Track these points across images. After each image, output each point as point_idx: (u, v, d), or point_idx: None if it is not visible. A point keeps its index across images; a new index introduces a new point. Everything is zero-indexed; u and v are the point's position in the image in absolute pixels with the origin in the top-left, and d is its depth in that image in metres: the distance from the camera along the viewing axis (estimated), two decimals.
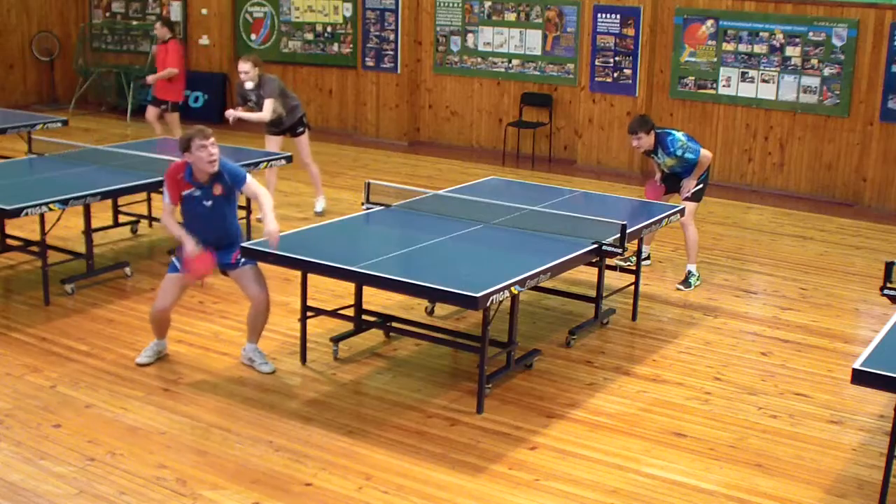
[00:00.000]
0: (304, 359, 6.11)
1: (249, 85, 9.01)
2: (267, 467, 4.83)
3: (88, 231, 7.39)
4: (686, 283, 7.81)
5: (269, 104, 8.99)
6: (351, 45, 14.00)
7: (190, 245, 5.62)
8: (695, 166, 7.74)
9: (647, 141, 7.64)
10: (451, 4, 13.15)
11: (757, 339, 6.82)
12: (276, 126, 9.30)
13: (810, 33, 10.88)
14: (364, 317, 6.37)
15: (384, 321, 6.40)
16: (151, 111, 11.28)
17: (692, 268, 7.85)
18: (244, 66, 8.97)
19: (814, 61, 10.91)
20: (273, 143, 9.39)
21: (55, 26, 15.74)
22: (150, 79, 11.31)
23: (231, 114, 9.09)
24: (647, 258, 8.22)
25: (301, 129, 9.38)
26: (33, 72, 15.48)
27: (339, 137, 13.60)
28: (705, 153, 7.77)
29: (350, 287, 6.34)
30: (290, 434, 5.17)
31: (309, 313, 6.16)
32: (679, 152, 7.67)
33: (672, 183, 7.92)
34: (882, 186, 10.72)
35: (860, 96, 10.75)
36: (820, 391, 5.97)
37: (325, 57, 14.27)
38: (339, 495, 4.61)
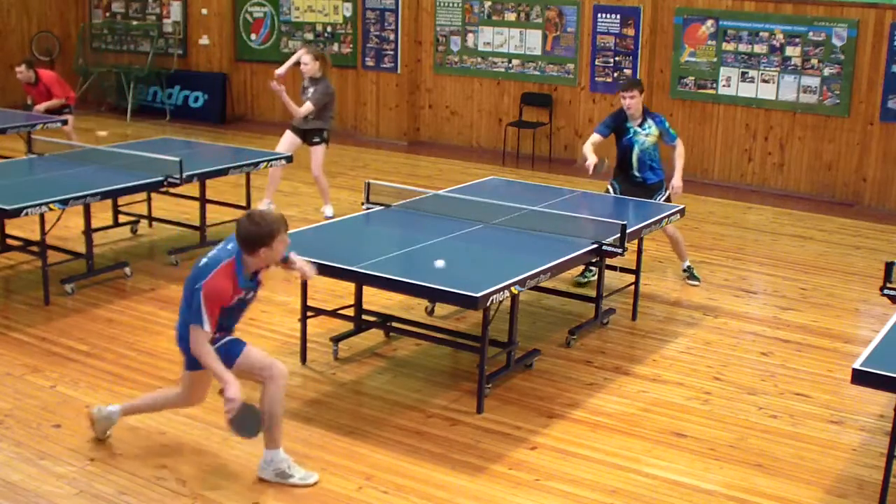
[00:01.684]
0: (304, 359, 6.11)
1: (306, 79, 9.14)
2: None
3: (88, 231, 7.39)
4: (693, 276, 7.93)
5: (307, 106, 9.05)
6: (351, 45, 14.00)
7: (234, 389, 4.43)
8: (657, 157, 7.73)
9: (639, 102, 7.60)
10: (451, 4, 13.15)
11: (757, 339, 6.82)
12: (300, 122, 9.26)
13: (810, 33, 10.88)
14: (364, 317, 6.37)
15: (384, 321, 6.40)
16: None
17: (687, 264, 7.99)
18: (305, 57, 9.06)
19: (814, 61, 10.91)
20: (288, 138, 9.33)
21: (55, 26, 15.74)
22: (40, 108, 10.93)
23: (276, 86, 9.03)
24: (692, 276, 7.92)
25: (317, 140, 9.29)
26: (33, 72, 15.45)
27: (339, 137, 13.58)
28: (681, 143, 7.79)
29: (350, 287, 6.34)
30: (290, 434, 5.16)
31: (309, 313, 6.16)
32: (666, 125, 7.70)
33: (633, 192, 7.64)
34: (882, 186, 10.73)
35: (860, 96, 10.75)
36: (820, 391, 5.97)
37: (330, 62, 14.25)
38: (339, 495, 4.61)
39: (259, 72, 14.84)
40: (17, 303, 7.01)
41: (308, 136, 9.28)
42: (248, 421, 4.53)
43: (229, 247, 4.57)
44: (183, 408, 5.06)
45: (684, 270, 8.00)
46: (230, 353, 4.61)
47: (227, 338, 4.66)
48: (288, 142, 9.31)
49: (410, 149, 13.37)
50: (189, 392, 4.85)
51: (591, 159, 7.37)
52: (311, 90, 9.12)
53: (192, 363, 4.64)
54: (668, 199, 7.65)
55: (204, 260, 4.56)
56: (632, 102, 7.57)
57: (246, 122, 14.97)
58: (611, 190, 7.81)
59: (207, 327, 4.41)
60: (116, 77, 15.32)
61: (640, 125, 7.65)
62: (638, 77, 11.72)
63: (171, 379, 5.78)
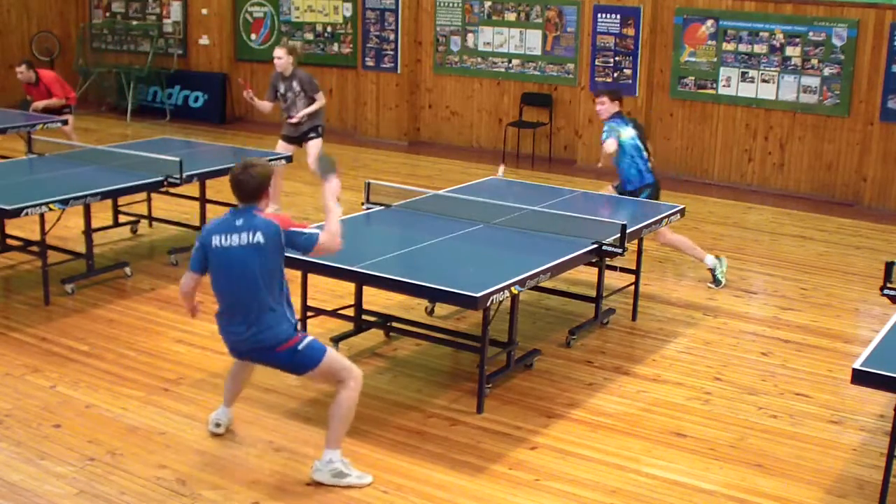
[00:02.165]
0: None
1: (277, 76, 8.95)
2: (267, 467, 4.83)
3: (88, 231, 7.39)
4: (716, 280, 7.82)
5: (321, 97, 9.05)
6: (351, 45, 14.00)
7: (331, 190, 4.67)
8: (637, 168, 7.68)
9: (610, 110, 7.56)
10: (451, 4, 13.16)
11: (757, 339, 6.82)
12: (291, 131, 9.16)
13: (810, 33, 10.88)
14: (364, 317, 6.37)
15: (384, 321, 6.40)
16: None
17: (710, 259, 7.82)
18: (278, 52, 8.89)
19: (814, 61, 10.91)
20: (282, 149, 9.21)
21: (55, 26, 15.74)
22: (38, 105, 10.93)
23: (298, 117, 8.98)
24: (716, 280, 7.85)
25: (313, 136, 9.15)
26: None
27: (339, 137, 13.59)
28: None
29: (350, 287, 6.34)
30: (290, 434, 5.17)
31: (309, 313, 6.16)
32: (607, 131, 7.49)
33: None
34: (882, 186, 10.72)
35: (860, 96, 10.75)
36: (820, 391, 5.97)
37: (324, 57, 14.28)
38: (340, 495, 4.60)
39: (259, 72, 14.83)
40: (17, 303, 7.01)
41: (303, 137, 9.17)
42: (330, 166, 4.74)
43: (240, 221, 4.50)
44: (360, 383, 4.68)
45: (710, 270, 7.85)
46: (317, 346, 4.57)
47: (309, 337, 4.62)
48: (283, 152, 9.18)
49: (410, 149, 13.37)
50: (343, 373, 4.60)
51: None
52: (294, 86, 8.92)
53: (314, 353, 4.54)
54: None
55: (250, 235, 4.47)
56: (601, 108, 7.62)
57: (246, 122, 14.97)
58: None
59: (319, 232, 4.53)
60: (116, 77, 15.33)
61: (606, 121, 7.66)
62: (638, 75, 11.72)
63: (171, 379, 5.79)
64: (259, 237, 4.44)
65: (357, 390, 4.64)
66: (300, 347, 4.54)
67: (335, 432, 4.64)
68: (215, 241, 4.53)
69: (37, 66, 11.15)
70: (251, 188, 4.52)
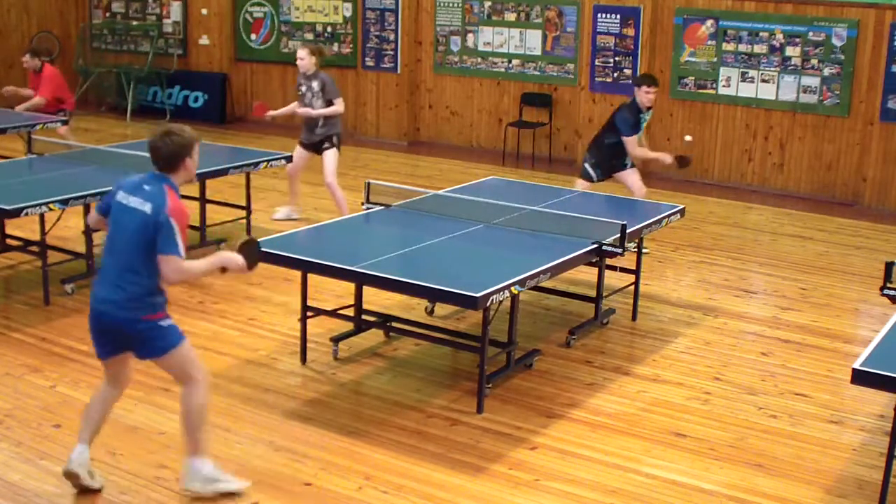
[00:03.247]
0: (304, 359, 6.11)
1: (301, 76, 8.81)
2: (267, 467, 4.83)
3: (88, 231, 7.38)
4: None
5: (340, 103, 8.84)
6: (351, 45, 14.00)
7: (229, 258, 4.47)
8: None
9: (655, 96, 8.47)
10: (451, 4, 13.16)
11: (757, 339, 6.82)
12: (307, 137, 8.97)
13: (810, 33, 10.88)
14: (364, 317, 6.37)
15: (384, 321, 6.40)
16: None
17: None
18: (301, 52, 8.79)
19: (814, 61, 10.91)
20: (299, 156, 9.03)
21: (55, 26, 15.74)
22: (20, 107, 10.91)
23: (311, 112, 8.81)
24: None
25: (328, 146, 8.87)
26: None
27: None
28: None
29: (350, 287, 6.34)
30: (290, 434, 5.17)
31: (309, 313, 6.16)
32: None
33: (608, 166, 8.59)
34: (882, 186, 10.72)
35: (860, 96, 10.75)
36: (820, 391, 5.97)
37: (325, 58, 14.25)
38: (339, 495, 4.61)
39: (259, 72, 14.84)
40: (17, 303, 7.01)
41: (319, 145, 8.92)
42: (253, 253, 4.55)
43: (148, 186, 4.33)
44: (207, 389, 4.47)
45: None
46: (177, 331, 4.38)
47: (171, 321, 4.39)
48: (298, 160, 9.03)
49: (410, 149, 13.37)
50: (192, 369, 4.42)
51: (664, 156, 8.75)
52: (314, 86, 8.78)
53: (173, 337, 4.35)
54: (632, 164, 8.63)
55: (143, 202, 4.27)
56: (653, 98, 8.54)
57: (246, 122, 14.96)
58: (592, 175, 8.60)
59: (182, 253, 4.22)
60: (116, 77, 15.32)
61: (649, 112, 8.63)
62: (638, 75, 11.72)
63: (171, 378, 5.77)
64: (147, 208, 4.25)
65: (205, 393, 4.43)
66: (162, 324, 4.33)
67: (193, 440, 4.42)
68: (120, 195, 4.38)
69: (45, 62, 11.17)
70: (163, 155, 4.35)
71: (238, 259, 4.46)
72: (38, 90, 10.72)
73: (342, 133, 9.11)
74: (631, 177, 8.62)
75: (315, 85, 8.80)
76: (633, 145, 8.49)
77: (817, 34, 10.84)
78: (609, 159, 8.58)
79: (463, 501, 4.61)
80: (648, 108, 8.55)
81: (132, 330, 4.30)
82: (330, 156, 8.88)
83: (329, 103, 8.80)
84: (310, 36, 14.31)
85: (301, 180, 9.36)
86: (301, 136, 9.08)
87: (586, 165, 8.66)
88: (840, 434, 5.42)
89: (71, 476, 4.47)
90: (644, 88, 8.45)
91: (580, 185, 8.56)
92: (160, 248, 4.22)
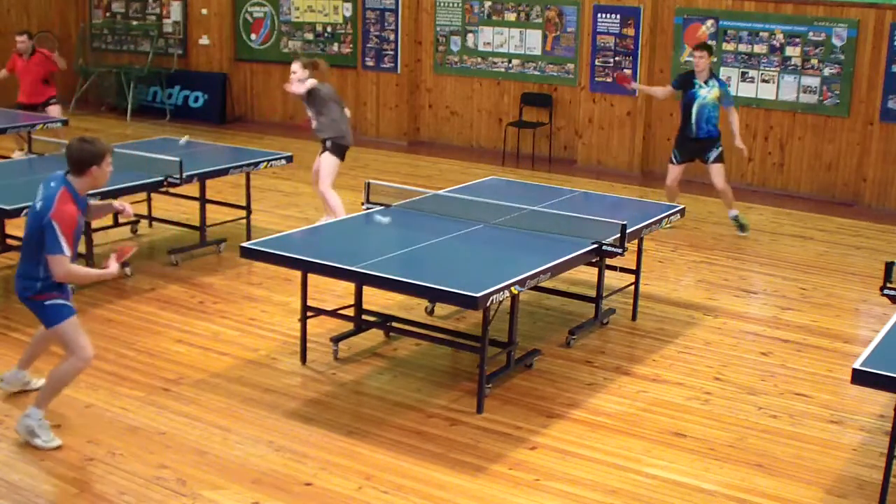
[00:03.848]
0: (304, 359, 6.11)
1: (298, 88, 8.33)
2: (267, 467, 4.83)
3: (88, 231, 7.38)
4: (741, 226, 9.31)
5: (330, 111, 8.45)
6: (351, 45, 14.00)
7: (113, 267, 4.96)
8: (715, 117, 9.07)
9: (707, 62, 8.99)
10: (451, 4, 13.16)
11: (757, 339, 6.82)
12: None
13: (810, 33, 10.88)
14: (364, 317, 6.37)
15: (384, 321, 6.40)
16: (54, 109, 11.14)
17: (735, 212, 9.32)
18: (294, 66, 8.39)
19: (814, 61, 10.92)
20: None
21: (55, 26, 15.73)
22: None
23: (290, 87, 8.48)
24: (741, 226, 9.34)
25: (322, 149, 8.56)
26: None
27: None
28: (735, 111, 9.21)
29: (350, 287, 6.34)
30: (290, 434, 5.17)
31: (309, 313, 6.16)
32: (727, 88, 9.20)
33: (690, 151, 9.23)
34: (882, 186, 10.73)
35: (860, 96, 10.75)
36: (820, 391, 5.97)
37: (324, 57, 14.25)
38: (339, 495, 4.61)
39: (259, 72, 14.85)
40: (16, 303, 6.95)
41: (324, 144, 8.60)
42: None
43: (52, 184, 4.81)
44: (85, 367, 5.01)
45: (732, 219, 9.29)
46: (60, 313, 4.89)
47: (63, 301, 4.92)
48: (316, 163, 8.72)
49: (410, 149, 13.37)
50: (75, 347, 4.91)
51: (637, 84, 9.88)
52: (311, 100, 8.46)
53: (53, 316, 4.88)
54: (718, 158, 9.14)
55: (39, 202, 4.79)
56: (700, 61, 8.99)
57: (246, 122, 14.97)
58: (673, 158, 9.35)
59: (67, 251, 4.71)
60: (116, 77, 15.33)
61: (705, 82, 9.04)
62: (638, 75, 11.73)
63: (171, 379, 5.79)
64: (39, 205, 4.77)
65: (80, 368, 4.96)
66: (46, 303, 4.87)
67: (45, 392, 4.98)
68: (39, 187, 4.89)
69: (8, 66, 11.32)
70: (74, 159, 4.83)
71: (112, 272, 4.98)
72: (55, 65, 10.93)
73: (342, 145, 8.56)
74: (713, 168, 9.26)
75: (316, 98, 8.43)
76: (662, 93, 9.61)
77: (817, 34, 10.84)
78: (678, 133, 9.36)
79: (463, 501, 4.61)
80: (704, 76, 9.01)
81: (26, 304, 4.97)
82: (324, 160, 8.53)
83: (320, 113, 8.45)
84: (310, 36, 14.31)
85: (300, 181, 9.31)
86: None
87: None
88: (840, 434, 5.42)
89: (12, 392, 5.39)
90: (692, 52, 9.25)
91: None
92: (47, 249, 4.73)
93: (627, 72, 9.60)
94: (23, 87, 11.17)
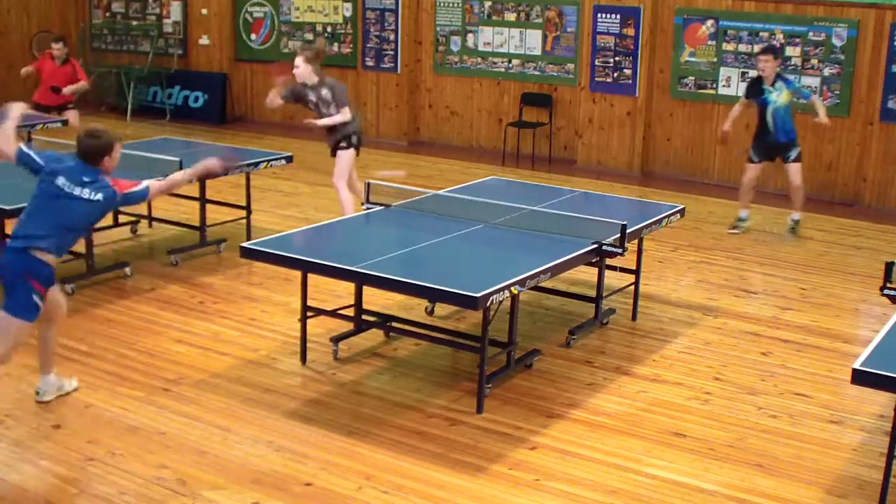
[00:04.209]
0: (304, 359, 6.11)
1: (304, 82, 8.31)
2: (267, 467, 4.83)
3: (88, 230, 7.38)
4: (794, 230, 9.42)
5: (346, 111, 8.37)
6: (351, 45, 14.00)
7: (212, 161, 5.53)
8: (789, 119, 9.08)
9: (772, 66, 8.99)
10: (451, 4, 13.16)
11: (757, 339, 6.82)
12: (328, 141, 8.55)
13: (810, 33, 10.88)
14: (364, 317, 6.37)
15: (384, 321, 6.40)
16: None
17: (799, 216, 9.47)
18: (296, 60, 8.29)
19: (814, 61, 10.92)
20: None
21: (55, 26, 15.72)
22: (67, 89, 11.02)
23: (310, 122, 8.44)
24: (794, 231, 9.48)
25: (344, 145, 8.51)
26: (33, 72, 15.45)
27: None
28: (816, 96, 9.49)
29: (350, 287, 6.34)
30: (290, 434, 5.17)
31: (309, 313, 6.16)
32: (796, 85, 9.22)
33: (769, 152, 9.31)
34: (882, 186, 10.73)
35: (860, 96, 10.75)
36: (820, 391, 5.97)
37: (324, 57, 14.26)
38: (339, 495, 4.61)
39: (259, 72, 14.83)
40: None
41: (335, 149, 8.54)
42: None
43: (88, 177, 5.05)
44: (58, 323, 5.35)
45: (792, 220, 9.43)
46: (33, 311, 4.98)
47: (40, 303, 5.03)
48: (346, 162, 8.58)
49: (410, 149, 13.37)
50: (53, 309, 5.22)
51: (729, 122, 9.50)
52: (324, 94, 8.32)
53: (27, 309, 4.95)
54: (797, 158, 9.20)
55: (93, 192, 5.03)
56: (765, 65, 8.99)
57: (246, 122, 14.97)
58: (752, 158, 9.43)
59: (145, 182, 5.26)
60: (116, 77, 15.32)
61: (772, 84, 9.02)
62: (638, 75, 11.73)
63: (171, 379, 5.79)
64: (100, 196, 5.05)
65: (59, 325, 5.41)
66: (34, 297, 4.97)
67: (49, 358, 5.38)
68: (60, 181, 5.03)
69: (37, 63, 11.25)
70: (87, 151, 5.08)
71: (213, 164, 5.51)
72: (81, 77, 10.92)
73: (360, 133, 8.68)
74: (790, 168, 9.34)
75: (325, 93, 8.32)
76: (738, 110, 9.51)
77: (817, 34, 10.84)
78: (755, 137, 9.44)
79: (463, 501, 4.61)
80: (771, 79, 9.00)
81: (13, 277, 4.99)
82: (342, 156, 8.53)
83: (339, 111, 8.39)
84: (310, 36, 14.31)
85: (300, 181, 9.29)
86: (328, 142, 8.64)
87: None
88: (840, 434, 5.42)
89: (47, 402, 5.39)
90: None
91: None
92: (139, 199, 5.28)
93: (725, 131, 9.60)
94: (42, 88, 11.13)
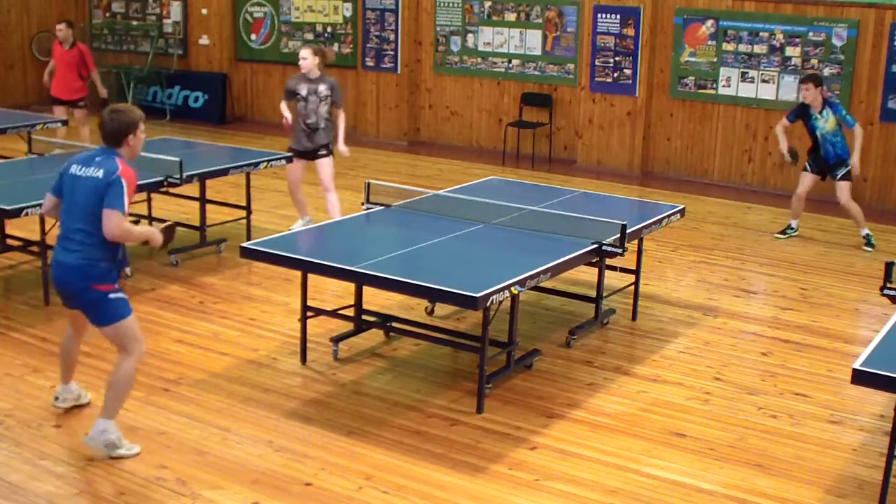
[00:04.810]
0: (304, 359, 6.11)
1: (300, 78, 8.49)
2: (267, 467, 4.83)
3: None
4: (869, 244, 9.16)
5: (341, 115, 8.56)
6: (351, 45, 14.00)
7: (156, 235, 4.98)
8: (843, 139, 9.05)
9: (815, 94, 8.93)
10: (451, 4, 13.16)
11: (757, 339, 6.82)
12: (303, 143, 8.60)
13: (810, 33, 10.88)
14: (364, 317, 6.37)
15: (384, 321, 6.40)
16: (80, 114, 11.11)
17: (866, 230, 9.22)
18: (303, 52, 8.42)
19: (814, 61, 10.92)
20: (297, 167, 8.68)
21: (55, 26, 15.72)
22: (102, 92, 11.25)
23: (343, 150, 8.57)
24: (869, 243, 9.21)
25: (324, 153, 8.62)
26: (33, 72, 15.46)
27: None
28: (859, 127, 9.09)
29: (350, 287, 6.34)
30: (290, 434, 5.17)
31: (309, 313, 6.16)
32: (843, 112, 9.03)
33: (821, 168, 9.24)
34: (882, 186, 10.73)
35: (860, 96, 10.75)
36: (820, 391, 5.97)
37: (332, 58, 14.27)
38: (339, 495, 4.61)
39: (259, 72, 14.85)
40: (17, 303, 7.01)
41: (315, 153, 8.60)
42: (170, 235, 5.16)
43: (101, 156, 4.79)
44: (137, 362, 4.88)
45: (863, 237, 9.23)
46: (120, 310, 4.77)
47: (123, 295, 4.83)
48: (298, 170, 8.66)
49: (410, 149, 13.37)
50: (132, 344, 4.82)
51: (783, 143, 9.30)
52: (321, 89, 8.42)
53: (116, 312, 4.74)
54: (846, 176, 9.14)
55: (98, 171, 4.71)
56: (806, 94, 9.02)
57: (246, 122, 14.97)
58: (807, 167, 9.37)
59: (125, 210, 4.66)
60: (116, 77, 15.32)
61: (820, 112, 9.01)
62: (637, 75, 11.73)
63: (171, 379, 5.79)
64: (100, 174, 4.68)
65: (136, 364, 4.88)
66: (111, 296, 4.75)
67: (111, 405, 4.81)
68: (73, 168, 4.82)
69: (42, 65, 11.27)
70: (109, 130, 4.80)
71: (158, 237, 4.98)
72: (89, 65, 10.95)
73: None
74: (838, 185, 9.28)
75: (322, 89, 8.42)
76: (778, 133, 9.41)
77: (817, 34, 10.84)
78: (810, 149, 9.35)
79: (463, 501, 4.61)
80: (818, 107, 8.98)
81: (83, 297, 4.76)
82: (327, 163, 8.62)
83: (334, 110, 8.53)
84: (310, 36, 14.31)
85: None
86: (294, 144, 8.67)
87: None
88: (840, 434, 5.42)
89: (66, 408, 5.27)
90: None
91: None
92: (106, 203, 4.62)
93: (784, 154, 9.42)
94: (57, 79, 11.15)
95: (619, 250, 6.06)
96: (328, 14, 14.18)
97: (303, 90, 8.47)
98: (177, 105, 15.23)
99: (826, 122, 9.00)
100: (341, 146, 8.58)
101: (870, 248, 9.11)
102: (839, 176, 9.16)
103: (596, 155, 12.29)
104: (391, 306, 6.92)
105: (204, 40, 15.07)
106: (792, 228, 9.56)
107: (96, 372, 5.85)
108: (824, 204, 10.90)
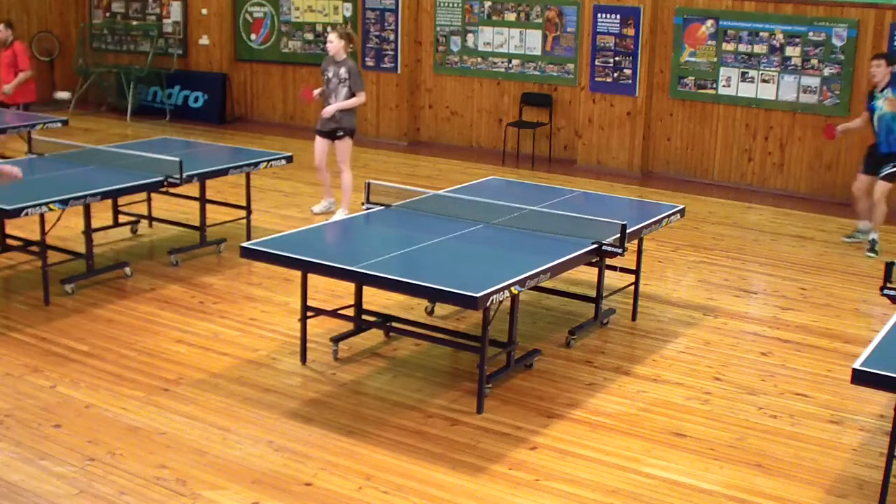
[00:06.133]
0: (304, 359, 6.11)
1: (334, 56, 9.02)
2: (267, 467, 4.83)
3: (88, 231, 7.39)
4: (872, 249, 8.76)
5: (362, 95, 9.16)
6: (351, 46, 13.97)
7: None
8: (894, 129, 8.56)
9: (884, 73, 8.52)
10: (451, 4, 13.16)
11: (757, 339, 6.82)
12: (322, 124, 9.23)
13: (810, 33, 10.88)
14: (364, 317, 6.37)
15: (384, 321, 6.40)
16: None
17: (875, 235, 8.80)
18: (330, 36, 9.04)
19: (814, 61, 10.92)
20: (320, 145, 9.29)
21: (55, 26, 15.75)
22: (7, 88, 10.92)
23: (327, 111, 9.10)
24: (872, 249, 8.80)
25: (342, 134, 9.22)
26: (33, 72, 15.45)
27: None
28: None
29: (350, 287, 6.34)
30: (290, 434, 5.17)
31: (309, 313, 6.16)
32: None
33: (873, 164, 8.77)
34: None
35: (860, 96, 10.73)
36: (820, 391, 5.97)
37: (325, 57, 14.23)
38: (339, 495, 4.61)
39: (259, 72, 14.85)
40: (17, 303, 7.01)
41: (333, 133, 9.22)
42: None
43: None
44: None
45: (869, 241, 8.83)
46: None
47: None
48: (320, 149, 9.28)
49: (410, 149, 13.37)
50: None
51: (851, 123, 9.05)
52: (341, 72, 9.02)
53: None
54: (887, 176, 8.64)
55: None
56: (876, 70, 8.61)
57: (246, 122, 14.98)
58: (861, 168, 9.05)
59: None
60: (116, 77, 15.32)
61: (881, 91, 8.62)
62: (638, 75, 11.73)
63: (171, 379, 5.79)
64: None
65: None
66: None
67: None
68: None
69: (42, 65, 11.16)
70: None
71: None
72: (18, 64, 10.71)
73: (357, 127, 9.41)
74: (875, 183, 8.85)
75: (342, 72, 8.99)
76: (861, 120, 9.05)
77: (817, 34, 10.84)
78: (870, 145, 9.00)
79: (463, 501, 4.61)
80: (882, 85, 8.60)
81: None
82: (344, 144, 9.17)
83: (352, 94, 9.04)
84: (310, 36, 14.31)
85: (300, 181, 9.33)
86: (318, 125, 9.30)
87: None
88: (840, 434, 5.42)
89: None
90: None
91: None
92: None
93: (837, 128, 9.04)
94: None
95: (619, 250, 6.06)
96: (328, 14, 14.18)
97: (329, 72, 9.10)
98: (177, 105, 15.23)
99: (883, 103, 8.54)
100: (335, 105, 9.05)
101: (872, 255, 8.71)
102: (882, 173, 8.64)
103: (596, 155, 12.29)
104: (391, 306, 6.92)
105: (204, 40, 15.07)
106: (860, 231, 9.22)
107: (97, 372, 5.86)
108: (824, 204, 10.91)
